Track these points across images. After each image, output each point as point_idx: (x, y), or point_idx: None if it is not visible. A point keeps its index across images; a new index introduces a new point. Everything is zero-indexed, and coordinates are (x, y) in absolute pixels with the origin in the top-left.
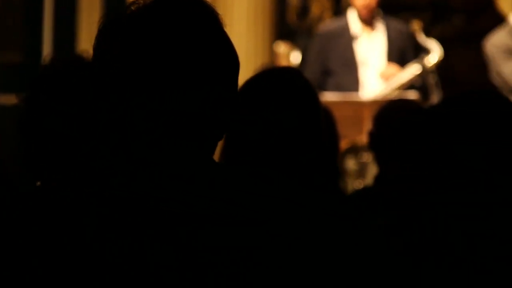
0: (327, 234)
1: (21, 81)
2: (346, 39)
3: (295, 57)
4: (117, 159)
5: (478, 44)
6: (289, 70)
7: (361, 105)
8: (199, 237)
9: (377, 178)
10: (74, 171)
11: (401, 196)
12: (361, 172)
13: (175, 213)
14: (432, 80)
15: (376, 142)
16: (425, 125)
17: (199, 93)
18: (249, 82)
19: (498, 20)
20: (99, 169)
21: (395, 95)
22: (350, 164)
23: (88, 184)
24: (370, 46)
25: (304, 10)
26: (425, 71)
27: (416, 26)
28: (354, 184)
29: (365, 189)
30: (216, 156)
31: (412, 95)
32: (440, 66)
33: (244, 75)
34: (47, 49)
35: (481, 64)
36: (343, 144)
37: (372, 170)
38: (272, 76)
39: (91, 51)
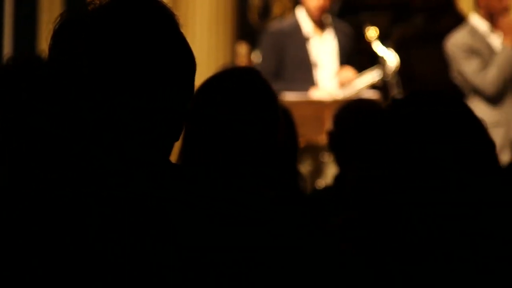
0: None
1: None
2: (299, 39)
3: (256, 57)
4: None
5: (439, 43)
6: (248, 70)
7: (322, 105)
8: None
9: (337, 178)
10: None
11: (361, 196)
12: (321, 172)
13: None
14: (392, 79)
15: (336, 142)
16: (384, 125)
17: (154, 93)
18: (207, 82)
19: (458, 19)
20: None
21: (355, 94)
22: (311, 164)
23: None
24: (322, 47)
25: (265, 10)
26: (381, 80)
27: (372, 33)
28: (315, 184)
29: (325, 189)
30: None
31: (373, 94)
32: (401, 65)
33: (205, 74)
34: (7, 48)
35: (442, 63)
36: (303, 144)
37: (333, 170)
38: (230, 76)
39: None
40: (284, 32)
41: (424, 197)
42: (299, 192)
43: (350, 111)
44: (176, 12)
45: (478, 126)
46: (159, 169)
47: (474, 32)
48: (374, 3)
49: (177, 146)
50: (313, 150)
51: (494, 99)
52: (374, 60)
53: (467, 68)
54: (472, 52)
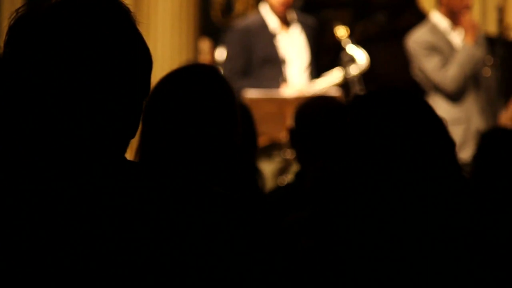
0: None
1: None
2: (266, 35)
3: (219, 54)
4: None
5: (400, 41)
6: (206, 67)
7: (284, 102)
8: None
9: (298, 175)
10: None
11: (321, 192)
12: (284, 169)
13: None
14: (354, 77)
15: (296, 139)
16: (345, 121)
17: (109, 90)
18: (165, 79)
19: (419, 17)
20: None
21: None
22: (273, 161)
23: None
24: (290, 43)
25: (228, 7)
26: (348, 79)
27: (342, 32)
28: (277, 181)
29: (287, 186)
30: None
31: (334, 91)
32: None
33: (167, 71)
34: None
35: (403, 60)
36: (266, 141)
37: (295, 167)
38: (187, 73)
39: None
40: (250, 29)
41: (385, 193)
42: (257, 189)
43: (310, 108)
44: (138, 9)
45: (437, 124)
46: (114, 166)
47: (435, 29)
48: (336, 0)
49: (133, 142)
50: (277, 148)
51: (455, 97)
52: (337, 58)
53: (428, 65)
54: (433, 49)
